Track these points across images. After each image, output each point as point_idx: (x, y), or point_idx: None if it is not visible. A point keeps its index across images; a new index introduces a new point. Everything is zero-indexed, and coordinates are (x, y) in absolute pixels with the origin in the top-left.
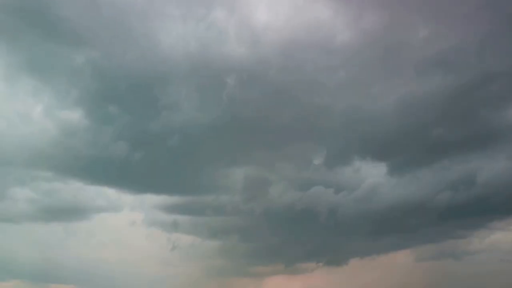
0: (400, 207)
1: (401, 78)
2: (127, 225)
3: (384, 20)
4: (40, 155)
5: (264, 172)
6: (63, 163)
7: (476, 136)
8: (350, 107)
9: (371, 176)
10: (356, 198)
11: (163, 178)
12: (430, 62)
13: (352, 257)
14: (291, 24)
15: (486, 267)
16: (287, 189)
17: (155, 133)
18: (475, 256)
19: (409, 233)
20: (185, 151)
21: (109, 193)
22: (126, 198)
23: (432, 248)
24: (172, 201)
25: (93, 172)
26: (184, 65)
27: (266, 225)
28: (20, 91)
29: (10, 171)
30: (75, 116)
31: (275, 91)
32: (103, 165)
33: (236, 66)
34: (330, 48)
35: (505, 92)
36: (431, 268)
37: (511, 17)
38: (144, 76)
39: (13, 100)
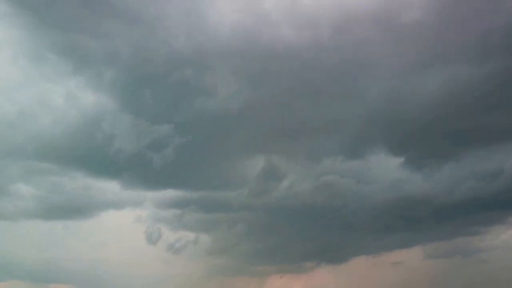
0: (411, 201)
1: (459, 58)
2: (130, 222)
3: None
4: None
5: (277, 165)
6: (69, 155)
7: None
8: (390, 92)
9: (387, 169)
10: (369, 192)
11: (169, 173)
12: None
13: (359, 255)
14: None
15: (500, 264)
16: (296, 183)
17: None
18: (488, 253)
19: (419, 229)
20: (199, 143)
21: (113, 189)
22: (130, 194)
23: (443, 244)
24: (176, 197)
25: (98, 166)
26: (229, 46)
27: (270, 222)
28: (46, 72)
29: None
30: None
31: (322, 74)
32: (111, 159)
33: (283, 48)
34: (392, 25)
35: None
36: (442, 265)
37: None
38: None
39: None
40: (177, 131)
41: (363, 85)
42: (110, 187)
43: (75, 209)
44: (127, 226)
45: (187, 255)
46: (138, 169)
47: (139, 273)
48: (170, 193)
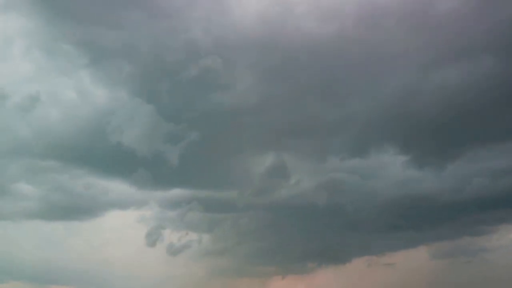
0: (418, 200)
1: (485, 51)
2: (133, 223)
3: None
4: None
5: (283, 164)
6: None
7: None
8: (408, 87)
9: (395, 168)
10: (375, 191)
11: (176, 172)
12: None
13: (363, 255)
14: None
15: (505, 263)
16: (301, 182)
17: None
18: (496, 252)
19: (425, 229)
20: (209, 141)
21: (118, 188)
22: (135, 193)
23: (449, 244)
24: (181, 197)
25: (104, 164)
26: (250, 38)
27: (274, 222)
28: (58, 65)
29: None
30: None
31: (343, 69)
32: (117, 156)
33: (306, 41)
34: (421, 17)
35: None
36: (447, 265)
37: None
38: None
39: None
40: (190, 128)
41: (383, 80)
42: (115, 186)
43: (78, 209)
44: (131, 227)
45: (190, 255)
46: (145, 167)
47: (142, 274)
48: (175, 193)
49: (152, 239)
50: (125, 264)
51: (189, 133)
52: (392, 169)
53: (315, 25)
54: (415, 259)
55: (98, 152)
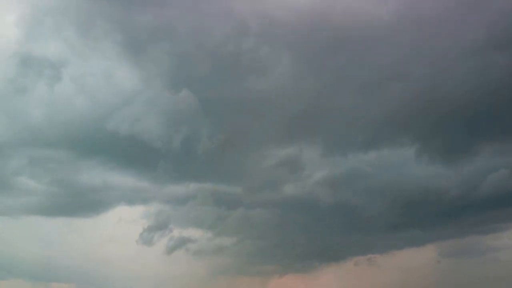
0: (428, 196)
1: None
2: (136, 219)
3: None
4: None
5: (294, 158)
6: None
7: None
8: (439, 76)
9: (397, 161)
10: (383, 188)
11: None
12: None
13: (366, 254)
14: None
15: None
16: (308, 179)
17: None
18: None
19: (433, 226)
20: (229, 133)
21: (123, 182)
22: (141, 188)
23: (458, 243)
24: (186, 193)
25: (112, 156)
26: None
27: (279, 219)
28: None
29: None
30: None
31: (384, 56)
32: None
33: (354, 24)
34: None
35: None
36: (455, 265)
37: None
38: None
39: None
40: (214, 121)
41: (419, 69)
42: (122, 180)
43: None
44: (134, 223)
45: (192, 253)
46: (160, 160)
47: (142, 272)
48: (184, 188)
49: (155, 237)
50: (126, 261)
51: (213, 125)
52: (406, 164)
53: (368, 5)
54: (422, 258)
55: (111, 141)
